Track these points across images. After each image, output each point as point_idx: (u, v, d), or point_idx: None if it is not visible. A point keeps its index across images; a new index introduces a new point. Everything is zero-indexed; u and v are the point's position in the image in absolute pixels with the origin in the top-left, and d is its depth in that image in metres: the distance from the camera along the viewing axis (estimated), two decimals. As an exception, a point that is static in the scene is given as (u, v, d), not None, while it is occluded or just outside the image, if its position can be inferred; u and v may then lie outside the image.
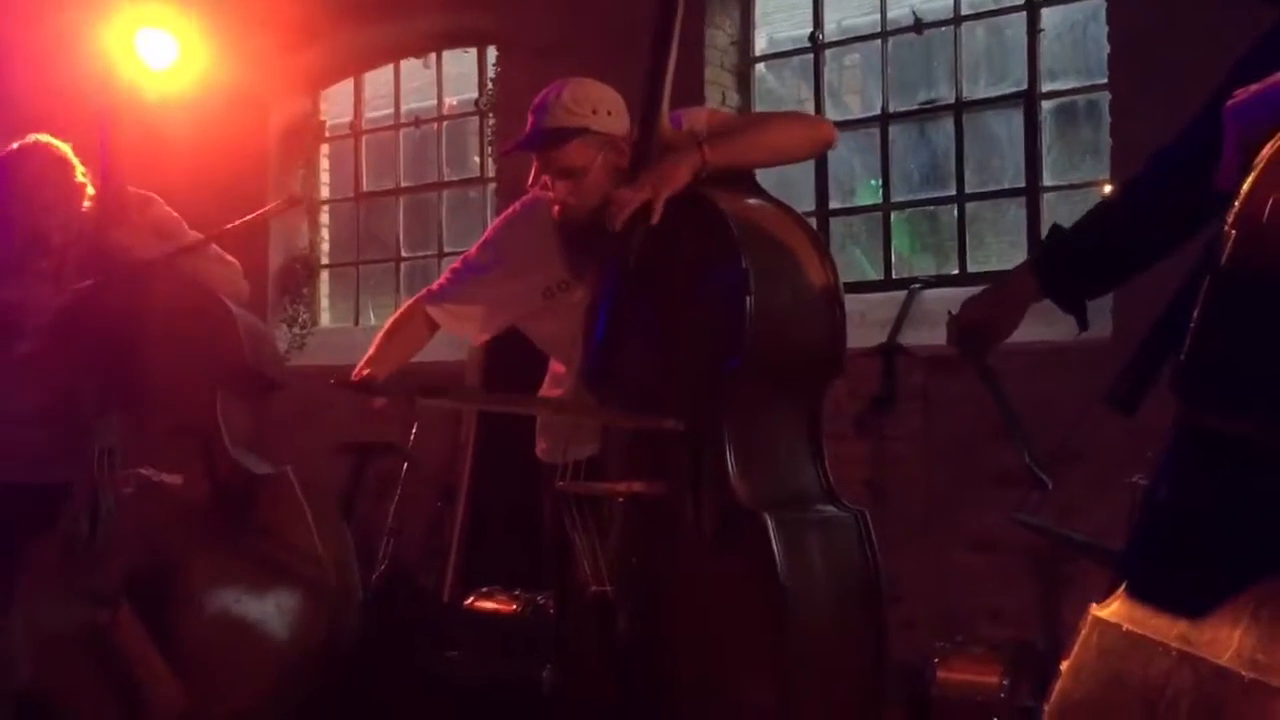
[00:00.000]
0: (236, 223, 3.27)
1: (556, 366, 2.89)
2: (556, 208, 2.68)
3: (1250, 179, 1.21)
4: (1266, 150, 1.22)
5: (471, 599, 4.16)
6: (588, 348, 2.62)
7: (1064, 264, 2.09)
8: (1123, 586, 1.34)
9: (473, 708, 3.85)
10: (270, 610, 3.19)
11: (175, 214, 3.39)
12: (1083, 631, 1.31)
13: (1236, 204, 1.21)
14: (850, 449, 4.23)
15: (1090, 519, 3.67)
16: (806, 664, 2.33)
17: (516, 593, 4.06)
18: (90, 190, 3.33)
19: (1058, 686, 1.30)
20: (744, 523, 2.35)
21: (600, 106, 2.64)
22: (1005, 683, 3.39)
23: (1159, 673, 1.21)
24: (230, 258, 3.42)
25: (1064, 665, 1.30)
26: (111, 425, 3.16)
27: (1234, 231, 1.20)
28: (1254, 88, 1.35)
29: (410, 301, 2.96)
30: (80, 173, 3.33)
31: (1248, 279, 1.19)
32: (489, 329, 2.92)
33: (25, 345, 3.28)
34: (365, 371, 2.75)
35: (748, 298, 2.37)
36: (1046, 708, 1.30)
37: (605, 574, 2.47)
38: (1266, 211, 1.17)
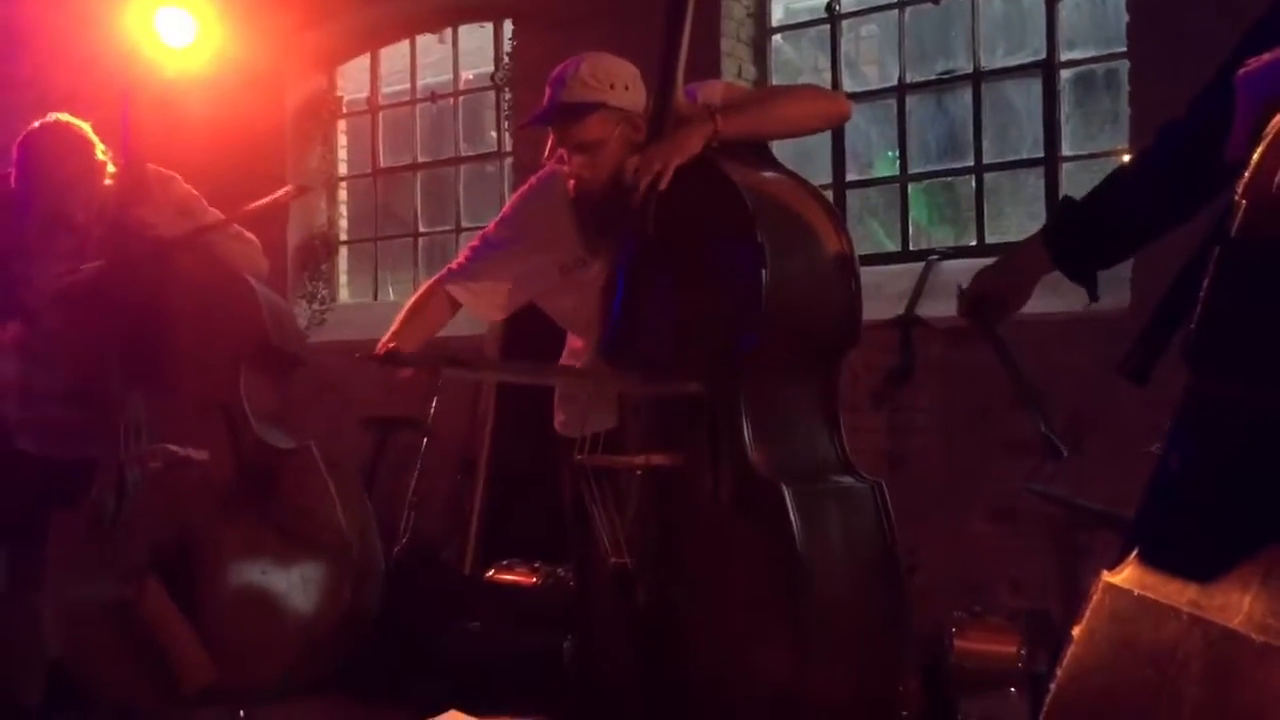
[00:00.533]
0: (249, 208, 3.30)
1: (574, 341, 2.91)
2: (571, 181, 2.69)
3: (1260, 149, 1.21)
4: (1277, 120, 1.22)
5: (492, 571, 4.20)
6: (605, 322, 2.64)
7: (1074, 235, 2.09)
8: (1134, 553, 1.35)
9: (494, 679, 3.89)
10: (295, 582, 3.23)
11: (196, 192, 3.42)
12: (1094, 597, 1.33)
13: (1246, 173, 1.22)
14: (868, 420, 4.24)
15: (1108, 488, 3.68)
16: (823, 633, 2.35)
17: (537, 565, 4.09)
18: (111, 168, 3.35)
19: (1070, 651, 1.31)
20: (761, 493, 2.37)
21: (618, 81, 2.65)
22: (1023, 652, 3.41)
23: (1169, 636, 1.22)
24: (250, 235, 3.45)
25: (1076, 630, 1.32)
26: (137, 401, 3.21)
27: (1244, 201, 1.21)
28: (1266, 57, 1.36)
29: (430, 281, 2.97)
30: (100, 150, 3.35)
31: (1257, 248, 1.20)
32: (508, 307, 2.92)
33: (50, 322, 3.32)
34: (389, 344, 2.77)
35: (763, 271, 2.38)
36: (1058, 672, 1.32)
37: (624, 546, 2.50)
38: (1276, 181, 1.18)
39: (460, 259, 2.94)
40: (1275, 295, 1.20)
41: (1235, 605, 1.21)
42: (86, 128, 3.38)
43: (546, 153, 2.76)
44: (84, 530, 3.21)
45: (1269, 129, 1.22)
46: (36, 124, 3.37)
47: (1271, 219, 1.19)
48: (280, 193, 3.37)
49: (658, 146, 2.52)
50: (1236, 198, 1.22)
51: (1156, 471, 1.49)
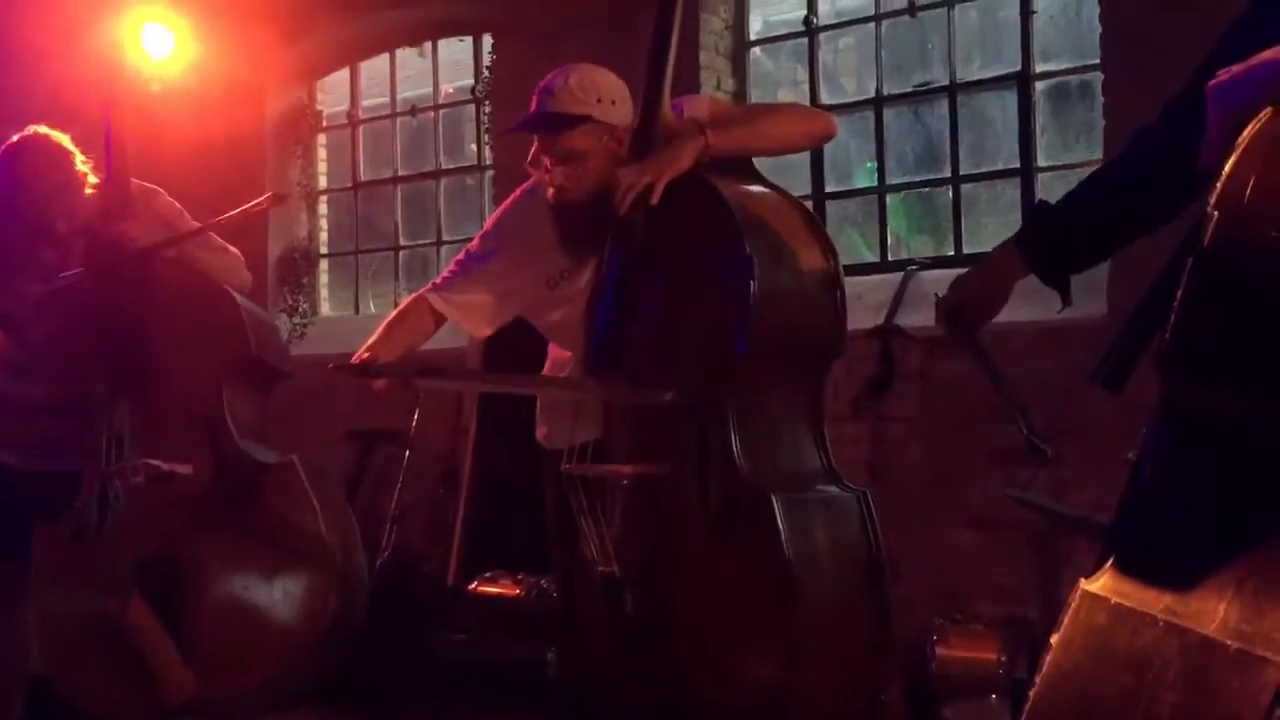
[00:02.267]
0: (225, 217, 3.29)
1: (557, 352, 2.91)
2: (551, 190, 2.70)
3: (1231, 160, 1.23)
4: (1247, 131, 1.24)
5: (476, 583, 4.21)
6: (592, 333, 2.65)
7: (1048, 238, 2.11)
8: (1110, 561, 1.37)
9: (479, 690, 3.89)
10: (278, 596, 3.22)
11: (179, 206, 3.42)
12: (1072, 605, 1.34)
13: (1218, 185, 1.24)
14: (849, 430, 4.26)
15: (1086, 495, 3.71)
16: (810, 640, 2.37)
17: (520, 576, 4.10)
18: (92, 179, 3.34)
19: (1048, 659, 1.33)
20: (750, 502, 2.38)
21: (605, 95, 2.66)
22: (1003, 659, 3.44)
23: (1146, 643, 1.24)
24: (232, 248, 3.44)
25: (1054, 638, 1.34)
26: (120, 415, 3.19)
27: (1216, 212, 1.23)
28: (1236, 68, 1.38)
29: (415, 294, 2.97)
30: (80, 161, 3.34)
31: (1229, 259, 1.22)
32: (493, 322, 2.88)
33: (35, 335, 3.31)
34: (365, 355, 2.77)
35: (751, 282, 2.40)
36: (1037, 680, 1.33)
37: (610, 554, 2.51)
38: (1247, 192, 1.20)
39: (445, 273, 2.94)
40: (1247, 306, 1.22)
41: (1211, 612, 1.23)
42: (65, 139, 3.37)
43: (529, 159, 2.77)
44: (67, 544, 3.19)
45: (1239, 141, 1.24)
46: (15, 137, 3.36)
47: (1243, 230, 1.21)
48: (257, 201, 3.36)
49: (648, 161, 2.53)
50: (1209, 209, 1.24)
51: (1130, 480, 1.51)
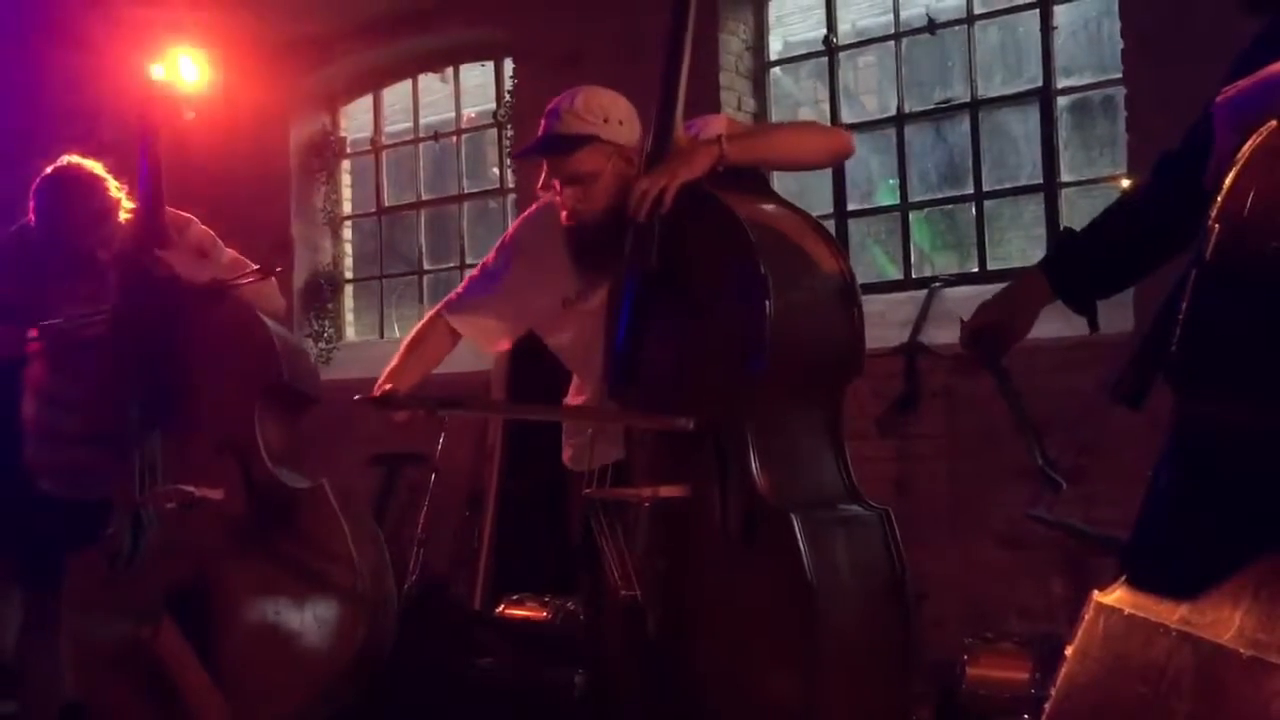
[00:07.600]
0: (220, 284, 3.32)
1: (576, 377, 2.93)
2: (564, 213, 2.72)
3: (1232, 174, 1.24)
4: (1248, 145, 1.25)
5: (503, 606, 4.21)
6: (609, 354, 2.66)
7: (1074, 265, 2.12)
8: (1125, 573, 1.37)
9: (507, 713, 3.89)
10: (309, 621, 3.23)
11: (211, 232, 3.46)
12: (1086, 617, 1.35)
13: (1219, 198, 1.25)
14: (875, 448, 4.25)
15: (1114, 512, 3.68)
16: (834, 661, 2.35)
17: (547, 599, 4.10)
18: (126, 204, 3.38)
19: (1063, 671, 1.33)
20: (770, 523, 2.37)
21: (611, 115, 2.67)
22: (1035, 678, 3.40)
23: (1160, 653, 1.24)
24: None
25: (1068, 650, 1.34)
26: (152, 442, 3.23)
27: (1217, 225, 1.24)
28: (1243, 82, 1.39)
29: (431, 312, 3.01)
30: (115, 187, 3.38)
31: (1231, 271, 1.23)
32: (508, 336, 2.95)
33: (72, 365, 3.35)
34: (386, 386, 2.79)
35: (766, 302, 2.40)
36: (1053, 692, 1.34)
37: (633, 578, 2.51)
38: (1247, 205, 1.21)
39: (460, 289, 2.97)
40: (1249, 316, 1.23)
41: (1226, 621, 1.23)
42: (98, 167, 3.41)
43: (540, 183, 2.79)
44: (100, 570, 3.23)
45: (1240, 154, 1.25)
46: (49, 169, 3.40)
47: (1244, 243, 1.21)
48: (253, 272, 3.37)
49: (663, 166, 2.53)
50: (1210, 223, 1.25)
51: (1146, 492, 1.51)
